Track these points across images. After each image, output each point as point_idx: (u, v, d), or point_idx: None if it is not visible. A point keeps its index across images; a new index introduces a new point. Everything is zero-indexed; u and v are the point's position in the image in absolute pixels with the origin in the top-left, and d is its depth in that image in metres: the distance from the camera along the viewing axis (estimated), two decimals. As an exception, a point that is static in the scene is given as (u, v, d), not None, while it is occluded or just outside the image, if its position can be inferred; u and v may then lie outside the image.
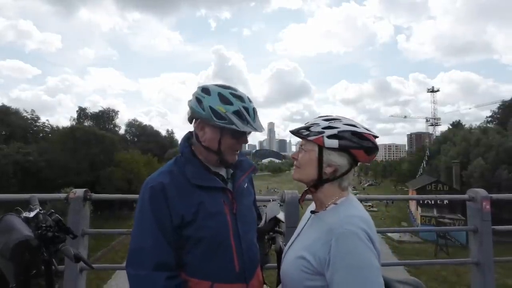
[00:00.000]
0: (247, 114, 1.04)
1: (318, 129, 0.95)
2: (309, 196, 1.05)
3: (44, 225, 1.19)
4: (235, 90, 1.09)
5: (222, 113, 1.02)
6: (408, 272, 15.29)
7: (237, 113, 1.02)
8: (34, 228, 1.20)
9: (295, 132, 1.00)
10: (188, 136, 1.16)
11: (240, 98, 1.06)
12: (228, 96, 1.05)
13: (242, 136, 1.08)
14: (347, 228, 0.83)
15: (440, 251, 21.52)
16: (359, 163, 0.98)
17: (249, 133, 1.09)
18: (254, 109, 1.07)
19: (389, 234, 24.41)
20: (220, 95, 1.05)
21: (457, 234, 22.69)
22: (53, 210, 1.23)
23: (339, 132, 0.93)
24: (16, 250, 1.08)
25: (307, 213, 1.07)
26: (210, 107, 1.03)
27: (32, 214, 1.25)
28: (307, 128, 0.98)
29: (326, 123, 0.96)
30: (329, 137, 0.92)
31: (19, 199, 1.95)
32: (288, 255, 0.99)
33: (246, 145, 1.22)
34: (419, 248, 23.13)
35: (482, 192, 2.28)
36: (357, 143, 0.92)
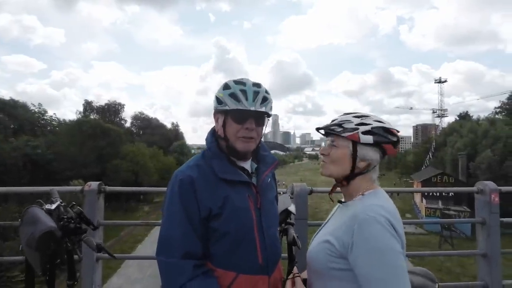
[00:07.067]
0: (242, 95, 1.03)
1: (352, 125, 1.00)
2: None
3: (66, 216, 1.25)
4: (245, 79, 1.09)
5: (220, 97, 1.06)
6: (412, 263, 15.36)
7: (232, 95, 1.04)
8: (56, 219, 1.25)
9: (327, 129, 1.03)
10: (214, 130, 1.17)
11: (241, 83, 1.06)
12: (230, 82, 1.08)
13: (245, 120, 1.05)
14: (370, 214, 0.88)
15: (444, 243, 21.56)
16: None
17: (260, 119, 1.07)
18: (255, 92, 1.05)
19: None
20: (225, 84, 1.09)
21: (462, 226, 22.63)
22: (74, 203, 1.28)
23: (372, 128, 0.99)
24: (42, 240, 1.13)
25: (336, 206, 1.12)
26: (215, 96, 1.09)
27: (53, 206, 1.30)
28: (339, 125, 1.02)
29: (358, 120, 1.01)
30: (364, 133, 0.98)
31: (38, 191, 2.03)
32: (314, 241, 1.04)
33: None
34: (423, 239, 23.17)
35: (491, 184, 2.29)
36: (387, 138, 0.99)
